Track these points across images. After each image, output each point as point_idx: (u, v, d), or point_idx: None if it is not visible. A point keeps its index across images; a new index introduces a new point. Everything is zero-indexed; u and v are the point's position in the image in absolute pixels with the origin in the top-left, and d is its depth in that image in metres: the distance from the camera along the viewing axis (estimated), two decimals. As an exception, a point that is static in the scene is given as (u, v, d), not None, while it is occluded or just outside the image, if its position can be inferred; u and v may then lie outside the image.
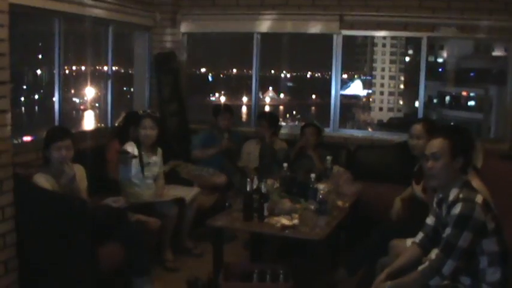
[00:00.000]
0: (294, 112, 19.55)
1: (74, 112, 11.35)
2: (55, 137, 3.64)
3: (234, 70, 14.37)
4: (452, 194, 2.56)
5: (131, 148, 4.33)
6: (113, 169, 4.54)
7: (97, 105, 9.85)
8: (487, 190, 3.07)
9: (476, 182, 2.92)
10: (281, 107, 19.37)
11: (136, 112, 4.86)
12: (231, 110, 5.80)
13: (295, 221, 3.50)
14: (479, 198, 2.48)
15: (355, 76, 20.30)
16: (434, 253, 2.53)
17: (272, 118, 5.70)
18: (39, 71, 9.21)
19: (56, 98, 4.88)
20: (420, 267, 2.53)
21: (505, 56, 6.61)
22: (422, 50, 5.81)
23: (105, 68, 5.70)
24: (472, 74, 16.29)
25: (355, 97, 20.50)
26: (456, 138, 2.62)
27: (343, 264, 3.75)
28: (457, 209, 2.45)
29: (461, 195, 2.50)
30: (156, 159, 4.50)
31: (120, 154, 4.36)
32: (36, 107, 9.51)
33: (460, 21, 5.46)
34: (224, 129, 5.56)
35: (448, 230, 2.46)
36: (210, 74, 12.87)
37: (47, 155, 3.63)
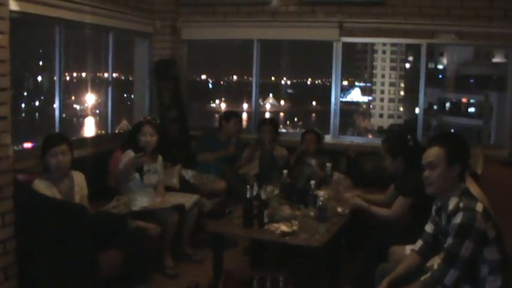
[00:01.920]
0: (296, 119, 19.52)
1: (75, 119, 11.34)
2: (50, 143, 3.66)
3: (235, 77, 14.35)
4: (452, 202, 2.55)
5: (129, 157, 4.31)
6: (114, 177, 4.53)
7: (97, 111, 9.86)
8: (485, 196, 3.07)
9: (473, 188, 2.92)
10: (281, 114, 19.34)
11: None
12: (240, 115, 5.84)
13: (295, 228, 3.50)
14: (479, 207, 2.47)
15: (355, 83, 20.29)
16: (435, 262, 2.52)
17: (273, 124, 5.72)
18: (39, 78, 9.21)
19: (56, 105, 4.89)
20: (422, 278, 2.52)
21: (505, 62, 6.61)
22: (422, 56, 5.84)
23: (106, 74, 5.71)
24: (472, 81, 16.26)
25: (356, 104, 20.47)
26: (451, 146, 2.61)
27: (348, 280, 3.73)
28: (458, 219, 2.44)
29: (461, 204, 2.49)
30: (156, 166, 4.50)
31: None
32: (37, 114, 9.51)
33: (459, 27, 5.48)
34: (232, 135, 5.59)
35: (449, 240, 2.45)
36: (210, 81, 12.87)
37: (45, 161, 3.64)
